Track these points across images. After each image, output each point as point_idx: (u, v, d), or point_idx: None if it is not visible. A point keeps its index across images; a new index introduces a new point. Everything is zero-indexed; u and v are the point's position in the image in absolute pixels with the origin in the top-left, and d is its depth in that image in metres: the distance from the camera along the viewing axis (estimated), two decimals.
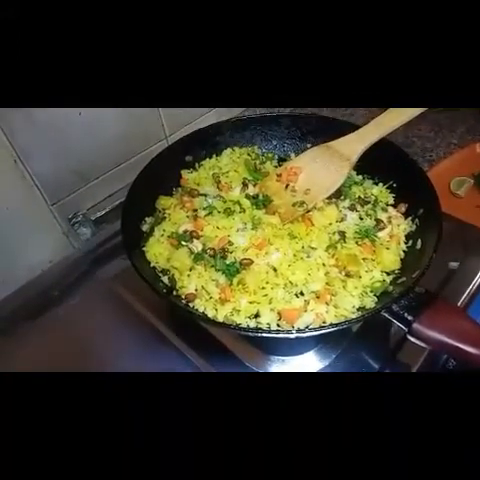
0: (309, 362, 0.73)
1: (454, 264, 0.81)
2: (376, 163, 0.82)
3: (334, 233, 0.74)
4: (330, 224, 0.76)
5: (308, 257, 0.71)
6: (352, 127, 0.79)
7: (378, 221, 0.75)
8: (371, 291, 0.68)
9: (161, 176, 0.83)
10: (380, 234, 0.74)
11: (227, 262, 0.70)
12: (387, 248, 0.72)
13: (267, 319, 0.66)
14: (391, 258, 0.70)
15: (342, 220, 0.77)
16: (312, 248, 0.72)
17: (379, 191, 0.83)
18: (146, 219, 0.80)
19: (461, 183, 1.03)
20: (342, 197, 0.80)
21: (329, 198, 0.79)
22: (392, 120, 0.73)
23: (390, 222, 0.75)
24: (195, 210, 0.80)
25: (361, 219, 0.77)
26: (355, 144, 0.75)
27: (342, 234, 0.74)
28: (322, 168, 0.78)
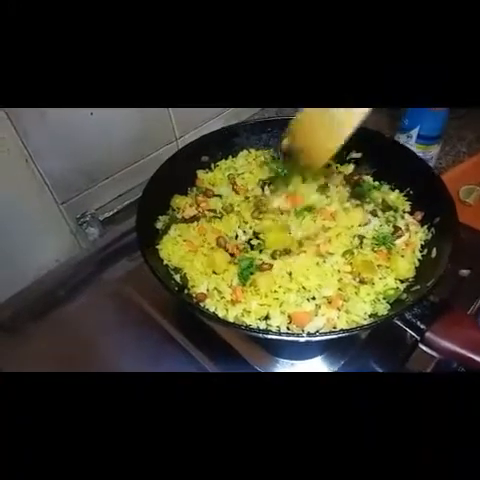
0: (317, 367, 0.72)
1: (465, 272, 0.81)
2: (393, 170, 0.82)
3: (354, 237, 0.74)
4: (352, 226, 0.76)
5: (324, 262, 0.71)
6: (365, 130, 0.78)
7: (396, 228, 0.75)
8: (384, 298, 0.67)
9: (177, 175, 0.83)
10: (397, 242, 0.74)
11: (242, 265, 0.70)
12: (402, 256, 0.71)
13: (277, 322, 0.66)
14: (406, 266, 0.70)
15: (366, 224, 0.76)
16: (329, 253, 0.72)
17: (396, 198, 0.83)
18: (160, 217, 0.80)
19: (470, 191, 1.03)
20: (368, 200, 0.80)
21: (355, 199, 0.79)
22: None
23: (408, 229, 0.75)
24: (210, 210, 0.80)
25: (380, 225, 0.77)
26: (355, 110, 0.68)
27: (361, 238, 0.74)
28: (321, 130, 0.72)
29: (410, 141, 1.03)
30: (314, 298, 0.68)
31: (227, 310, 0.67)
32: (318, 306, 0.67)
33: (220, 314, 0.67)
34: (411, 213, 0.80)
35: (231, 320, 0.65)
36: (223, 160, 0.90)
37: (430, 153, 1.05)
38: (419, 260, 0.73)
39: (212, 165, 0.89)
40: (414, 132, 1.01)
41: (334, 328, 0.65)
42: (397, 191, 0.83)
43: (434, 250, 0.71)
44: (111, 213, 0.96)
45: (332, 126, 0.70)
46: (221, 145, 0.89)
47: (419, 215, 0.79)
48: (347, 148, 0.88)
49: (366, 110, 0.68)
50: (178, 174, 0.83)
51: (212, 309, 0.67)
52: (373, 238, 0.74)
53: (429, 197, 0.76)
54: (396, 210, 0.80)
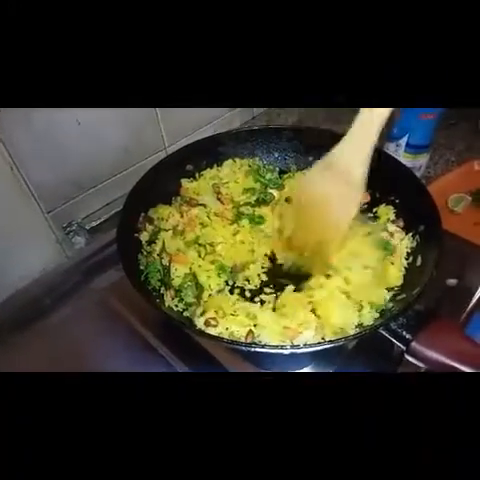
0: None
1: (452, 281, 0.80)
2: (377, 178, 0.81)
3: None
4: None
5: None
6: None
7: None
8: (371, 308, 0.67)
9: (160, 184, 0.82)
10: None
11: None
12: (392, 263, 0.71)
13: None
14: (395, 274, 0.69)
15: None
16: None
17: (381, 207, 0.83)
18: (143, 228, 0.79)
19: (459, 200, 1.02)
20: None
21: None
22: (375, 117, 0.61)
23: (392, 236, 0.75)
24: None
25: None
26: (356, 160, 0.62)
27: None
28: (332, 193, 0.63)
29: (399, 150, 1.03)
30: None
31: None
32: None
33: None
34: (393, 221, 0.80)
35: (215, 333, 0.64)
36: (208, 169, 0.89)
37: (419, 162, 1.06)
38: (405, 268, 0.72)
39: (197, 174, 0.88)
40: (403, 141, 1.01)
41: (322, 338, 0.64)
42: (383, 205, 0.83)
43: (419, 258, 0.70)
44: (98, 222, 0.95)
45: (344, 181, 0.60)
46: (206, 154, 0.88)
47: (401, 222, 0.78)
48: None
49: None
50: (162, 183, 0.82)
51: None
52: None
53: (413, 205, 0.76)
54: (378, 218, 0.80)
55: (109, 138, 0.90)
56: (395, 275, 0.70)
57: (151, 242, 0.77)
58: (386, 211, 0.81)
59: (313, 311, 0.66)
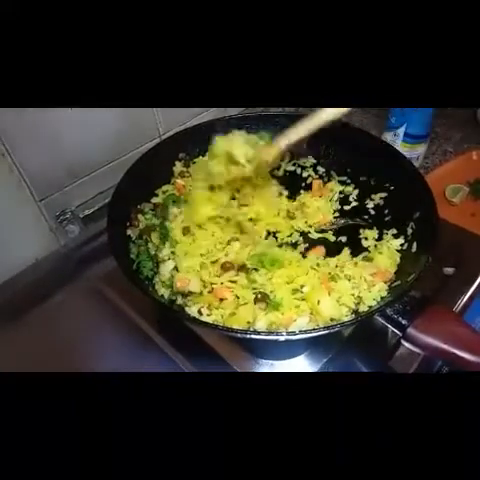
0: (299, 366, 0.70)
1: (449, 270, 0.80)
2: (372, 165, 0.80)
3: None
4: None
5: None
6: (349, 128, 0.77)
7: None
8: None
9: (151, 174, 0.81)
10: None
11: None
12: (379, 252, 0.71)
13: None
14: (386, 262, 0.69)
15: None
16: None
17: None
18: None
19: (456, 190, 1.02)
20: None
21: None
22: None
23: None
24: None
25: None
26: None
27: None
28: None
29: (397, 140, 1.03)
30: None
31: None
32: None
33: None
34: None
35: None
36: (200, 157, 0.87)
37: (416, 152, 1.05)
38: (400, 256, 0.71)
39: (189, 162, 0.87)
40: (401, 130, 1.01)
41: (316, 325, 0.63)
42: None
43: (414, 244, 0.69)
44: (92, 210, 0.94)
45: None
46: (198, 142, 0.86)
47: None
48: (325, 144, 0.87)
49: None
50: (153, 173, 0.81)
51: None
52: None
53: (408, 191, 0.75)
54: None
55: (104, 125, 0.89)
56: (386, 263, 0.69)
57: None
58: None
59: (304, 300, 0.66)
